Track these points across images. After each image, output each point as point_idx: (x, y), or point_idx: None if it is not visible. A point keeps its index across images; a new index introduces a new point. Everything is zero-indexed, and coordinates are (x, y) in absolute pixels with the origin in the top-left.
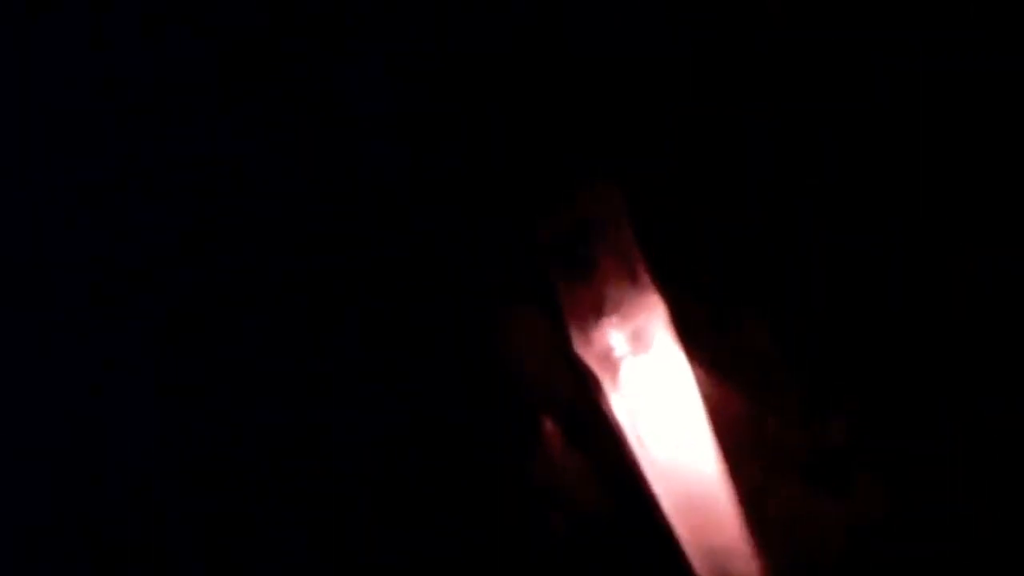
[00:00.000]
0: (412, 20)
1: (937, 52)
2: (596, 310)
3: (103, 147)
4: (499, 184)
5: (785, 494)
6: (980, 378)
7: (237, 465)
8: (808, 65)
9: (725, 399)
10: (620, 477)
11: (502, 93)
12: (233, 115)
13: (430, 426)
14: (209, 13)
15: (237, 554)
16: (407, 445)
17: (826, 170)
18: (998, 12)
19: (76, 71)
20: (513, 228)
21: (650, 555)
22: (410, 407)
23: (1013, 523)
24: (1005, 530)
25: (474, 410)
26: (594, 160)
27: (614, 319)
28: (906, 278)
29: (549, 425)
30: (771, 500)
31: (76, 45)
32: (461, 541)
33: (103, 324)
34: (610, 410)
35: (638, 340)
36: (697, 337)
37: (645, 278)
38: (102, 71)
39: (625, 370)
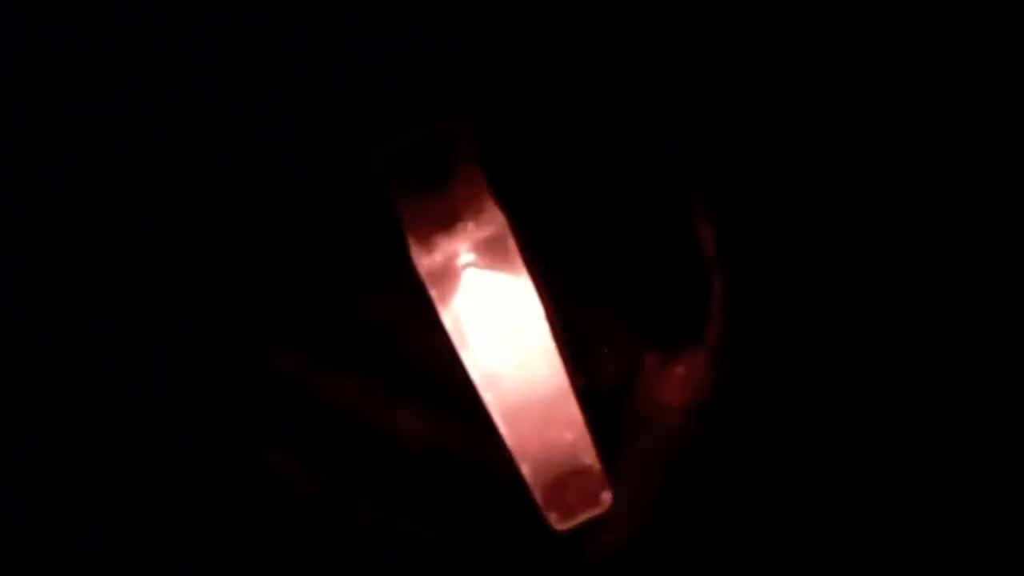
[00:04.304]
0: (412, 20)
1: (937, 52)
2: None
3: (102, 147)
4: None
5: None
6: (980, 378)
7: (231, 464)
8: (808, 65)
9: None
10: (441, 384)
11: (502, 93)
12: (233, 115)
13: None
14: (209, 13)
15: (235, 554)
16: None
17: (826, 170)
18: (998, 12)
19: (74, 71)
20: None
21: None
22: None
23: (1013, 523)
24: (1005, 530)
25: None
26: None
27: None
28: (906, 278)
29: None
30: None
31: (74, 45)
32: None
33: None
34: (437, 318)
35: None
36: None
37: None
38: (101, 70)
39: (466, 279)
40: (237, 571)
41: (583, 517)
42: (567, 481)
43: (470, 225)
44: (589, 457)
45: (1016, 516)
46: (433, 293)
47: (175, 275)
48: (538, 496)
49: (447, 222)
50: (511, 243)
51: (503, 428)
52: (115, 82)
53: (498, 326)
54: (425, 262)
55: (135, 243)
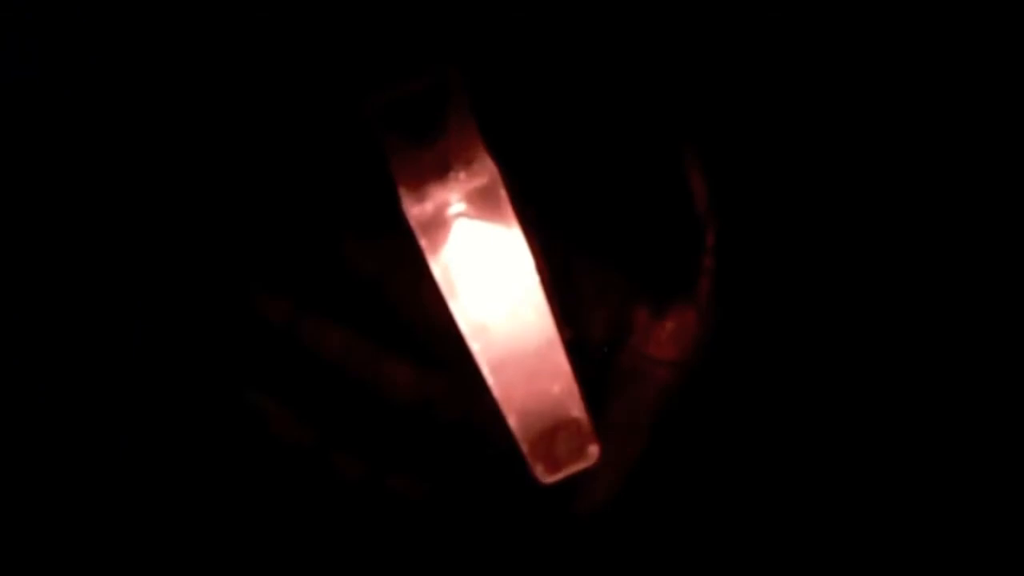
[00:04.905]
0: (413, 20)
1: (936, 52)
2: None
3: (102, 147)
4: None
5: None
6: (980, 378)
7: (228, 462)
8: (808, 65)
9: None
10: (429, 334)
11: (501, 93)
12: (232, 115)
13: None
14: (209, 13)
15: (233, 553)
16: None
17: (826, 170)
18: (998, 12)
19: (74, 71)
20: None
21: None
22: None
23: (1013, 523)
24: (1005, 530)
25: None
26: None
27: (453, 179)
28: (906, 278)
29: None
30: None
31: (74, 44)
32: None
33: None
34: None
35: (476, 202)
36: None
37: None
38: (101, 70)
39: (456, 229)
40: (234, 570)
41: (570, 470)
42: (554, 433)
43: (462, 175)
44: (577, 410)
45: (1016, 516)
46: (423, 242)
47: (176, 275)
48: (524, 448)
49: (439, 172)
50: (502, 194)
51: (491, 379)
52: (114, 82)
53: (487, 277)
54: (415, 211)
55: (121, 191)
